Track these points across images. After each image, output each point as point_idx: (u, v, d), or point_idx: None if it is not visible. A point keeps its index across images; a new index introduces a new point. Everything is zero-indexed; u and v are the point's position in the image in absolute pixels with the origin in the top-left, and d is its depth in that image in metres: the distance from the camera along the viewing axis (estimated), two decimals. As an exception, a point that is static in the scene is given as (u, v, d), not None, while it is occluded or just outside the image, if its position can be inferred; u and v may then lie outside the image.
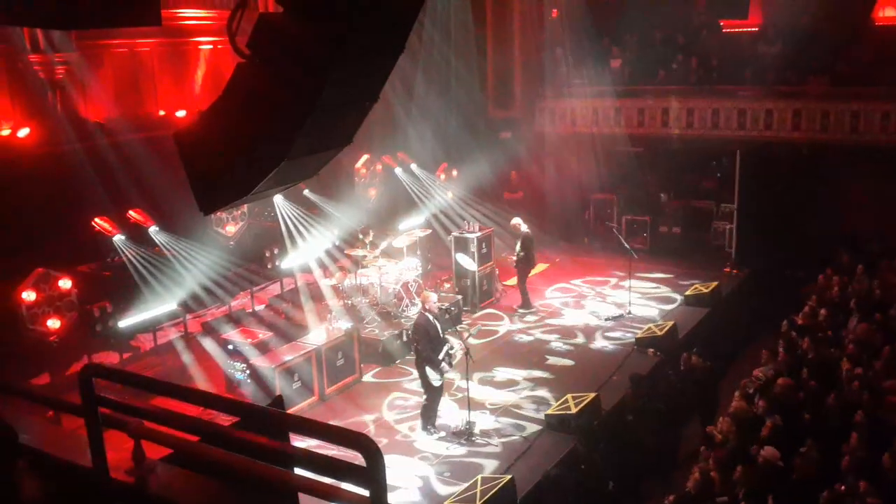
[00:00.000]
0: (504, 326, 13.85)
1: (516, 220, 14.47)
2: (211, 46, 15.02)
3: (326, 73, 2.94)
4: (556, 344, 13.02)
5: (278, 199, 14.10)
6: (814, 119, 15.78)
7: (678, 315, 13.72)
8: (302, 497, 3.33)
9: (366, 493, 2.75)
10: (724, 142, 16.40)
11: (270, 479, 3.17)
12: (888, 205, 14.08)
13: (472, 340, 12.98)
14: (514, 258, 14.33)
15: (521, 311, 14.44)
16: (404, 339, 12.43)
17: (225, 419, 3.97)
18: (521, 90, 18.71)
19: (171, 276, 12.38)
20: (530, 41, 18.71)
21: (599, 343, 13.00)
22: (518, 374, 11.85)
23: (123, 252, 12.07)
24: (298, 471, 3.39)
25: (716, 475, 7.77)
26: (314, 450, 2.99)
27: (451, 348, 10.10)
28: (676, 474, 8.88)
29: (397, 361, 12.35)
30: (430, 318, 10.00)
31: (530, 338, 13.35)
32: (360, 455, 2.69)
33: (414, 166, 17.08)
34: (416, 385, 10.70)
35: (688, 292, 14.45)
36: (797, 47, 16.02)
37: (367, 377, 12.00)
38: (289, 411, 7.51)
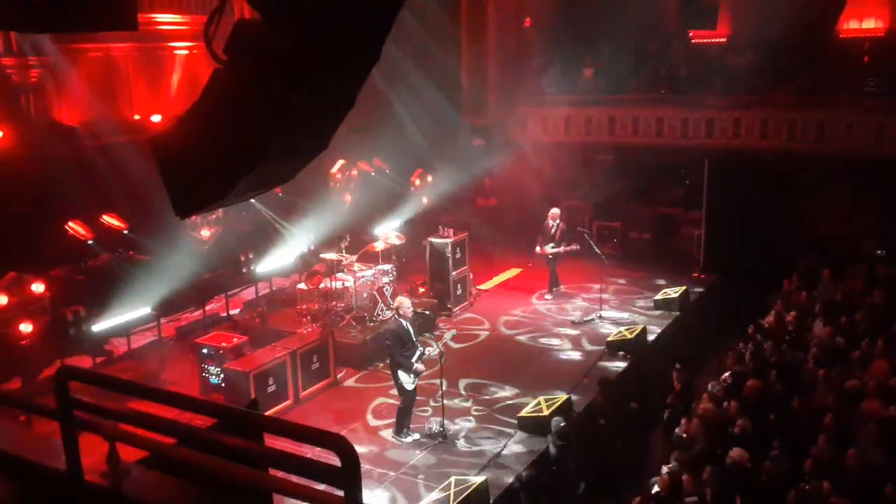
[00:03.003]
0: (483, 330, 13.93)
1: (555, 211, 15.13)
2: (186, 51, 14.98)
3: (302, 78, 2.99)
4: (529, 347, 13.14)
5: (254, 203, 14.07)
6: (780, 128, 16.09)
7: (648, 319, 13.93)
8: (278, 498, 3.38)
9: (340, 493, 2.81)
10: (692, 150, 16.66)
11: (246, 480, 3.22)
12: (853, 212, 14.39)
13: (450, 343, 13.12)
14: (562, 249, 14.95)
15: (554, 290, 15.44)
16: (379, 343, 12.46)
17: (201, 422, 4.00)
18: (495, 98, 18.86)
19: (145, 281, 12.30)
20: (504, 49, 18.87)
21: (571, 346, 13.14)
22: (491, 376, 11.93)
23: (96, 256, 11.98)
24: (274, 472, 3.44)
25: (684, 476, 7.92)
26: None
27: (424, 352, 10.17)
28: (646, 475, 8.99)
29: (373, 365, 12.37)
30: (404, 322, 10.06)
31: (504, 341, 13.45)
32: (334, 456, 2.75)
33: (389, 171, 17.14)
34: (391, 389, 10.77)
35: (657, 297, 14.67)
36: (765, 58, 16.34)
37: (350, 381, 12.01)
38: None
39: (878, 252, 14.36)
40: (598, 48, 18.43)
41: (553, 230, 15.06)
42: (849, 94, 15.75)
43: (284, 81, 2.99)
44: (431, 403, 10.51)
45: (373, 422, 10.69)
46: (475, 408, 10.95)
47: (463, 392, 11.46)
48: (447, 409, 10.35)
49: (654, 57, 18.33)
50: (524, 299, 15.46)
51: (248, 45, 3.05)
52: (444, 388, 10.34)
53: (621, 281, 16.07)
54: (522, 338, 13.56)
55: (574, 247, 15.00)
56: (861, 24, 17.11)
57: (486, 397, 11.31)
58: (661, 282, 15.60)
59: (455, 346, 13.23)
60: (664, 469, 8.23)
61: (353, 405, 11.22)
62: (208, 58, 3.13)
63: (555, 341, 13.34)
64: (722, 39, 18.42)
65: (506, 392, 11.46)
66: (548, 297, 15.40)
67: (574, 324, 14.01)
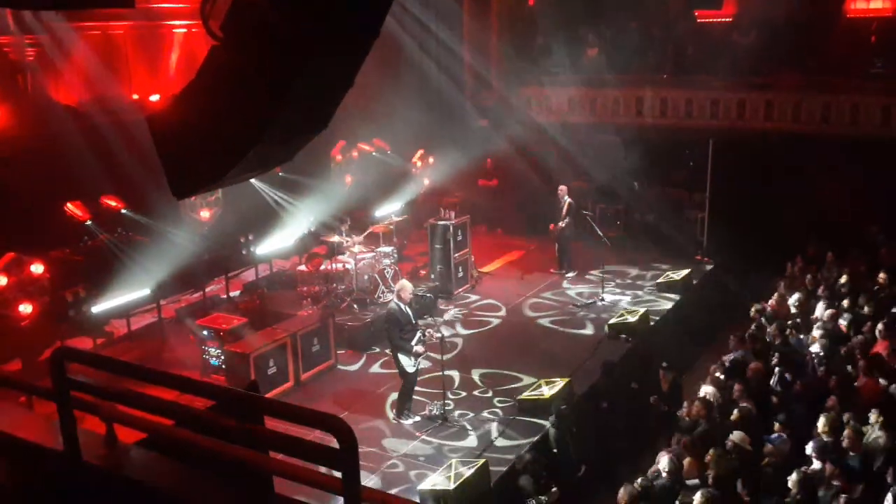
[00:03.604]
0: (494, 317, 13.70)
1: (562, 188, 15.40)
2: (185, 30, 14.83)
3: (300, 57, 2.94)
4: (530, 329, 13.10)
5: (255, 184, 13.99)
6: (785, 110, 15.99)
7: (650, 302, 13.90)
8: (277, 480, 3.36)
9: (339, 475, 2.78)
10: (697, 131, 16.56)
11: (245, 462, 3.20)
12: (857, 194, 14.30)
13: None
14: (562, 224, 15.24)
15: (560, 271, 15.61)
16: (379, 326, 12.43)
17: (200, 404, 3.98)
18: (498, 77, 18.73)
19: (144, 262, 12.28)
20: (507, 28, 18.71)
21: (572, 329, 13.10)
22: (493, 359, 11.89)
23: (95, 237, 11.94)
24: (274, 454, 3.42)
25: (686, 459, 7.90)
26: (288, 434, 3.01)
27: (424, 335, 10.15)
28: (647, 458, 8.99)
29: (374, 349, 12.34)
30: (402, 306, 10.04)
31: (505, 324, 13.41)
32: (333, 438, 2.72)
33: (391, 152, 17.06)
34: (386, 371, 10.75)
35: (660, 279, 14.62)
36: (770, 38, 16.18)
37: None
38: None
39: (880, 235, 14.29)
40: (603, 28, 18.27)
41: (561, 206, 15.21)
42: (855, 76, 15.62)
43: (281, 60, 2.94)
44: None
45: (372, 404, 10.66)
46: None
47: (463, 373, 11.40)
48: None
49: (659, 37, 18.17)
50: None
51: (244, 24, 3.00)
52: (444, 369, 10.33)
53: (623, 263, 16.00)
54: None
55: (566, 220, 15.17)
56: (868, 3, 16.92)
57: (486, 378, 11.23)
58: (664, 265, 15.54)
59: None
60: (665, 451, 8.23)
61: (352, 388, 11.19)
62: (208, 37, 3.07)
63: (556, 324, 13.29)
64: (727, 19, 18.24)
65: (506, 373, 11.35)
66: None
67: (576, 306, 13.97)
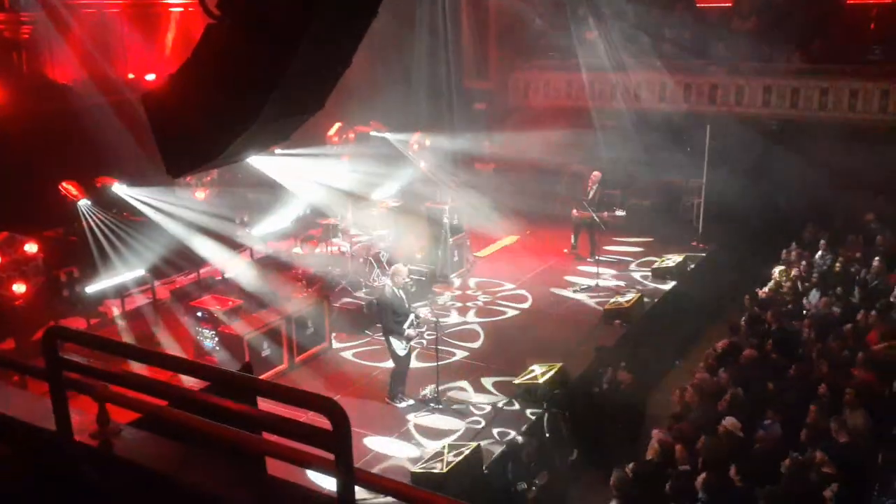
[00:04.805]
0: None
1: (596, 174, 15.26)
2: (181, 9, 14.74)
3: (297, 35, 2.90)
4: (525, 315, 13.11)
5: (251, 165, 13.91)
6: (784, 95, 15.99)
7: (645, 287, 13.91)
8: (270, 461, 3.36)
9: (331, 456, 2.78)
10: (694, 116, 16.54)
11: (238, 442, 3.20)
12: (853, 181, 14.32)
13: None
14: (604, 213, 15.04)
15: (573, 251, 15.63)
16: (372, 309, 12.42)
17: (193, 384, 3.97)
18: (496, 61, 18.66)
19: (139, 242, 12.24)
20: (505, 12, 18.61)
21: (567, 314, 13.11)
22: (487, 344, 11.92)
23: (90, 217, 11.89)
24: (267, 435, 3.42)
25: (677, 444, 7.95)
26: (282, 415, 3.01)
27: (416, 319, 10.14)
28: (639, 443, 9.04)
29: (367, 332, 12.34)
30: (395, 290, 10.03)
31: (501, 308, 13.42)
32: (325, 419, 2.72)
33: (388, 135, 16.99)
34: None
35: (655, 265, 14.61)
36: (770, 24, 16.16)
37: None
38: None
39: (875, 223, 14.31)
40: (601, 11, 18.19)
41: (591, 194, 15.04)
42: (854, 62, 15.62)
43: (278, 38, 2.91)
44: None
45: (364, 386, 10.68)
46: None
47: (456, 358, 11.37)
48: (441, 374, 10.33)
49: (658, 21, 18.10)
50: (522, 266, 15.34)
51: (241, 2, 2.96)
52: (438, 352, 10.32)
53: (619, 248, 16.00)
54: (518, 304, 13.45)
55: (618, 212, 14.99)
56: (868, -10, 16.91)
57: (480, 363, 11.19)
58: (660, 250, 15.53)
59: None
60: (656, 437, 8.27)
61: (345, 371, 11.20)
62: (204, 16, 3.04)
63: (550, 309, 13.28)
64: (727, 4, 18.18)
65: (499, 358, 11.33)
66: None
67: (571, 292, 13.97)
